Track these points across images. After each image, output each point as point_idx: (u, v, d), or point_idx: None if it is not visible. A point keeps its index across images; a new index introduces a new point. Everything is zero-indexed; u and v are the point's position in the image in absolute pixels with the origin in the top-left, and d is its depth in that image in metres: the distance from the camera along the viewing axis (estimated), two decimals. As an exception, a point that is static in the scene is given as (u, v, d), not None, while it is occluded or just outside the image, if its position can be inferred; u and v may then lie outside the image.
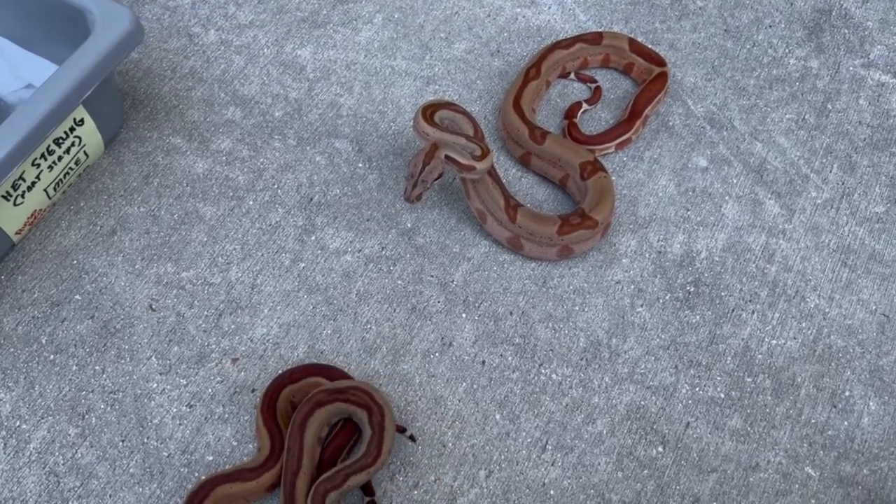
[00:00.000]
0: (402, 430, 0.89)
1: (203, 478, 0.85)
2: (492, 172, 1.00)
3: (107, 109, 1.06)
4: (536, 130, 1.05)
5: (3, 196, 0.93)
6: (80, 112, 0.98)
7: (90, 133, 1.02)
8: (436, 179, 0.95)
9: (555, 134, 1.06)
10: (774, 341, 0.97)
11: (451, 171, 0.97)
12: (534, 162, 1.07)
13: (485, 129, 1.08)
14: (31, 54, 1.11)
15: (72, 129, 0.98)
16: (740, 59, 1.21)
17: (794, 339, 0.97)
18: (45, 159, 0.96)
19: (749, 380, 0.94)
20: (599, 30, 1.21)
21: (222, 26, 1.22)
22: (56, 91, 0.91)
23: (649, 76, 1.13)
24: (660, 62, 1.13)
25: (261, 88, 1.17)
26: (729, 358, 0.96)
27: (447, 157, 0.95)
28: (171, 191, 1.07)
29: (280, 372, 0.92)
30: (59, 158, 0.99)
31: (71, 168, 1.02)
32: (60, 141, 0.97)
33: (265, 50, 1.20)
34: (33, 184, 0.97)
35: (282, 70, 1.18)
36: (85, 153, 1.03)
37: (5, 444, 0.88)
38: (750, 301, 1.00)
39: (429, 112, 1.00)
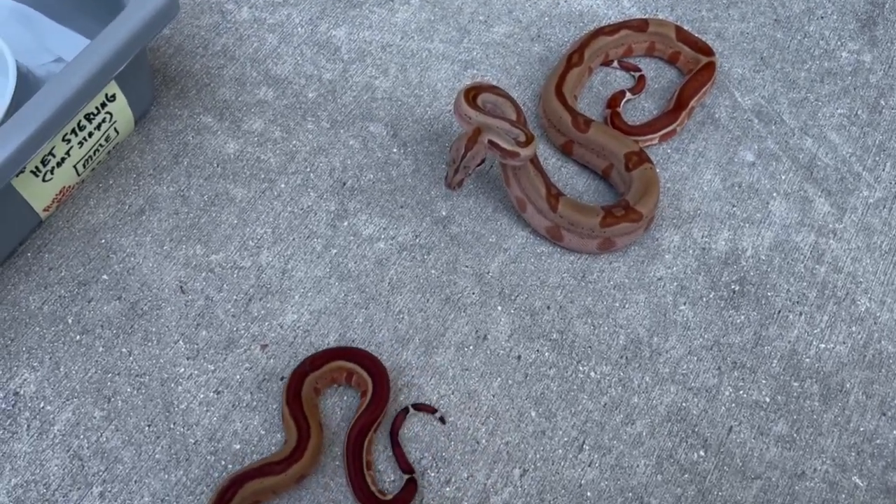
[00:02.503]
0: (432, 410, 0.87)
1: (231, 474, 0.83)
2: (533, 160, 0.96)
3: (138, 86, 1.03)
4: (580, 118, 1.02)
5: (32, 171, 0.91)
6: (112, 87, 0.96)
7: (121, 109, 0.99)
8: (478, 165, 0.92)
9: (599, 122, 1.03)
10: (823, 345, 0.93)
11: (492, 156, 0.94)
12: (576, 151, 1.03)
13: (523, 111, 1.04)
14: (61, 27, 1.08)
15: (103, 105, 0.96)
16: (790, 51, 1.16)
17: (844, 343, 0.94)
18: (76, 135, 0.94)
19: (796, 384, 0.91)
20: (644, 17, 1.17)
21: (256, 3, 1.19)
22: (89, 65, 0.88)
23: (696, 66, 1.09)
24: (707, 52, 1.09)
25: (294, 68, 1.14)
26: (775, 361, 0.92)
27: (490, 142, 0.92)
28: (201, 171, 1.04)
29: (301, 360, 0.89)
30: (90, 134, 0.96)
31: (101, 145, 1.00)
32: (91, 116, 0.95)
33: (299, 29, 1.17)
34: (63, 160, 0.94)
35: (316, 50, 1.15)
36: (115, 130, 1.01)
37: (29, 426, 0.86)
38: (798, 302, 0.96)
39: (471, 94, 0.97)
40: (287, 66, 1.14)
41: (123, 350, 0.92)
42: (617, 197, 1.02)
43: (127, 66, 0.93)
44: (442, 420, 0.87)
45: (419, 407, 0.88)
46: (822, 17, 1.20)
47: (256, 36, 1.16)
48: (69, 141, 0.93)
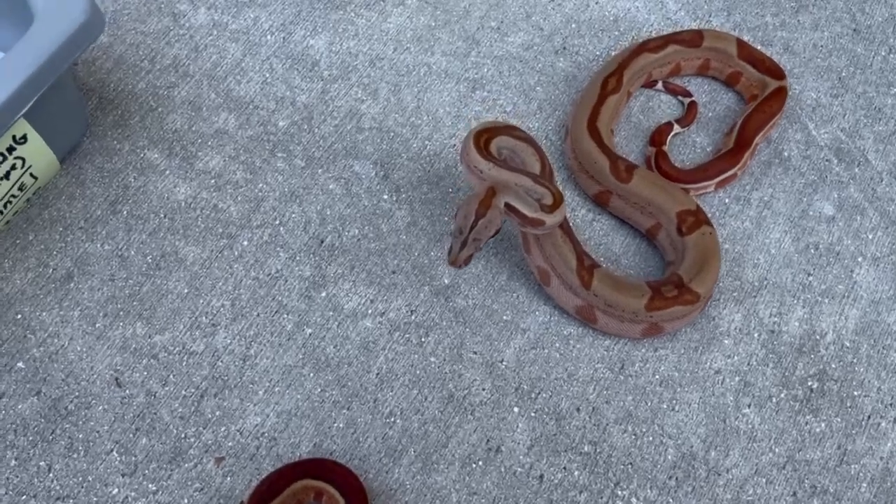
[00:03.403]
0: None
1: None
2: (562, 222, 0.76)
3: (61, 117, 0.82)
4: (620, 163, 0.81)
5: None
6: (21, 127, 0.75)
7: (37, 151, 0.78)
8: (492, 237, 0.72)
9: (644, 169, 0.82)
10: (924, 463, 0.74)
11: (510, 222, 0.74)
12: (613, 203, 0.83)
13: (546, 152, 0.83)
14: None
15: (10, 150, 0.75)
16: (874, 70, 0.95)
17: (950, 460, 0.75)
18: (-27, 190, 0.73)
19: (891, 516, 0.72)
20: (694, 24, 0.95)
21: (215, 3, 0.97)
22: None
23: (762, 92, 0.87)
24: (777, 74, 0.88)
25: (261, 88, 0.92)
26: (864, 484, 0.73)
27: (508, 206, 0.71)
28: (144, 223, 0.84)
29: (258, 483, 0.70)
30: (-6, 187, 0.76)
31: (13, 196, 0.79)
32: (-6, 165, 0.74)
33: (268, 37, 0.95)
34: (-41, 221, 0.74)
35: (289, 65, 0.94)
36: (32, 175, 0.80)
37: (-82, 569, 0.68)
38: (892, 405, 0.77)
39: (483, 139, 0.76)
40: (253, 86, 0.92)
41: (41, 464, 0.73)
42: (663, 262, 0.82)
43: (42, 95, 0.72)
44: None
45: None
46: (912, 26, 0.98)
47: (215, 46, 0.94)
48: (-37, 199, 0.73)
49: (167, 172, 0.87)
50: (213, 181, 0.87)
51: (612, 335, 0.79)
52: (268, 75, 0.93)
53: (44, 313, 0.79)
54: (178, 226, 0.84)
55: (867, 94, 0.93)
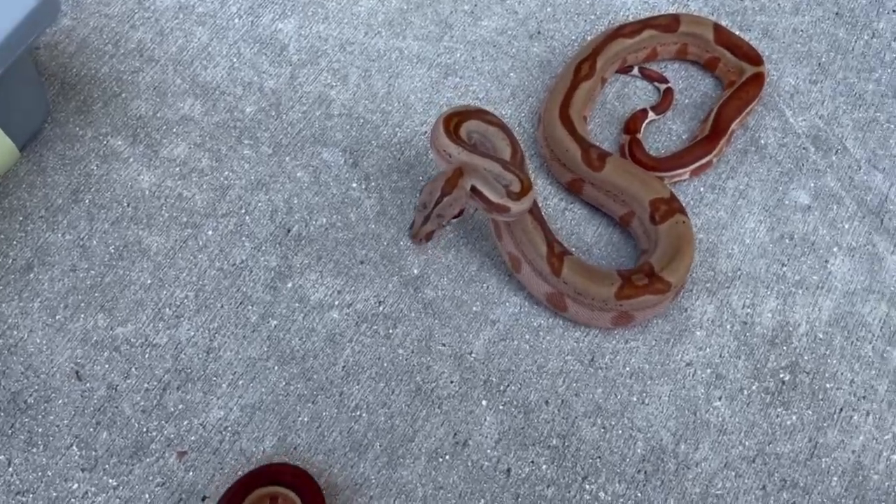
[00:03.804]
0: None
1: None
2: (532, 208, 0.75)
3: (20, 103, 0.80)
4: (592, 151, 0.79)
5: None
6: (-26, 114, 0.73)
7: (-7, 139, 0.77)
8: (455, 217, 0.70)
9: (617, 157, 0.80)
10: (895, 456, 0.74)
11: (476, 207, 0.72)
12: (586, 191, 0.81)
13: (519, 139, 0.82)
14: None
15: (-37, 137, 0.73)
16: (855, 55, 0.93)
17: (922, 453, 0.74)
18: (-75, 180, 0.71)
19: (861, 510, 0.71)
20: (672, 8, 0.93)
21: (182, -14, 0.94)
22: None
23: (739, 78, 0.86)
24: (754, 59, 0.86)
25: (228, 74, 0.90)
26: (835, 478, 0.72)
27: (473, 189, 0.70)
28: (106, 212, 0.82)
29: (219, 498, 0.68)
30: (-52, 176, 0.74)
31: (-31, 184, 0.77)
32: (-54, 154, 0.72)
33: (236, 20, 0.93)
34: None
35: (256, 49, 0.91)
36: (-11, 163, 0.78)
37: None
38: (864, 398, 0.76)
39: (454, 122, 0.74)
40: (220, 71, 0.90)
41: (1, 458, 0.71)
42: (637, 251, 0.81)
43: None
44: None
45: None
46: (894, 11, 0.96)
47: (182, 29, 0.92)
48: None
49: (131, 160, 0.85)
50: (177, 169, 0.85)
51: (582, 325, 0.77)
52: (235, 60, 0.91)
53: (2, 305, 0.77)
54: (141, 215, 0.82)
55: (847, 79, 0.91)
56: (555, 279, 0.74)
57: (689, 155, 0.82)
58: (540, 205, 0.81)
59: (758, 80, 0.85)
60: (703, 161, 0.82)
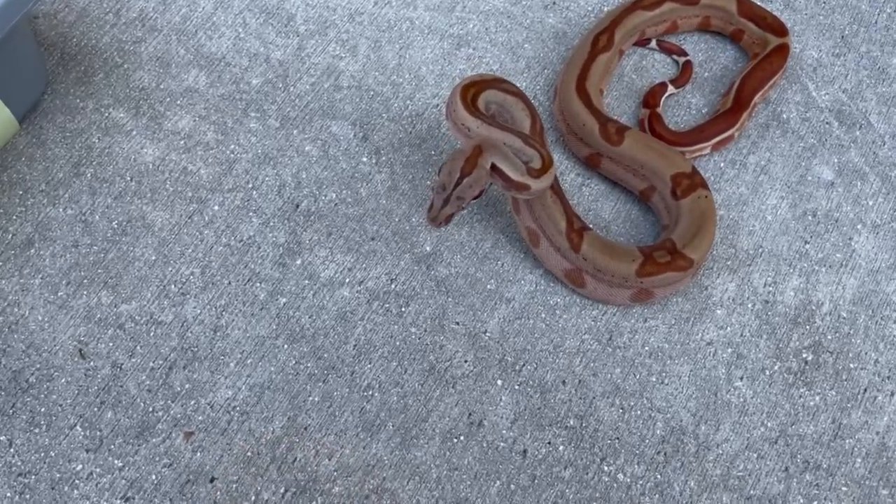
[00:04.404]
0: None
1: None
2: (552, 182, 0.72)
3: (19, 72, 0.77)
4: (610, 125, 0.77)
5: None
6: (-29, 82, 0.70)
7: (-9, 109, 0.74)
8: (475, 198, 0.68)
9: (636, 131, 0.77)
10: (921, 437, 0.72)
11: (496, 184, 0.70)
12: (605, 165, 0.79)
13: (534, 114, 0.79)
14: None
15: (-40, 107, 0.71)
16: (879, 28, 0.90)
17: (948, 434, 0.72)
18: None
19: (885, 492, 0.70)
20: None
21: (185, -47, 0.91)
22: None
23: (763, 49, 0.83)
24: (780, 30, 0.83)
25: (234, 44, 0.87)
26: (859, 459, 0.71)
27: (494, 166, 0.67)
28: (109, 187, 0.80)
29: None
30: (-55, 147, 0.71)
31: (-33, 156, 0.75)
32: (-57, 123, 0.70)
33: (242, -11, 0.90)
34: None
35: (263, 19, 0.88)
36: (-13, 135, 0.76)
37: None
38: (889, 378, 0.74)
39: (471, 93, 0.71)
40: (225, 42, 0.87)
41: (2, 438, 0.69)
42: (658, 225, 0.79)
43: (-7, 50, 0.68)
44: None
45: None
46: (919, -18, 0.94)
47: (185, -2, 0.89)
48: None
49: (133, 133, 0.82)
50: (182, 142, 0.82)
51: (599, 302, 0.75)
52: (240, 30, 0.88)
53: (3, 281, 0.75)
54: (145, 189, 0.80)
55: (871, 53, 0.89)
56: (574, 255, 0.72)
57: (710, 129, 0.80)
58: (557, 177, 0.79)
59: (782, 51, 0.82)
60: (726, 135, 0.80)
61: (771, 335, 0.75)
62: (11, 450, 0.69)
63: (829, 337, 0.75)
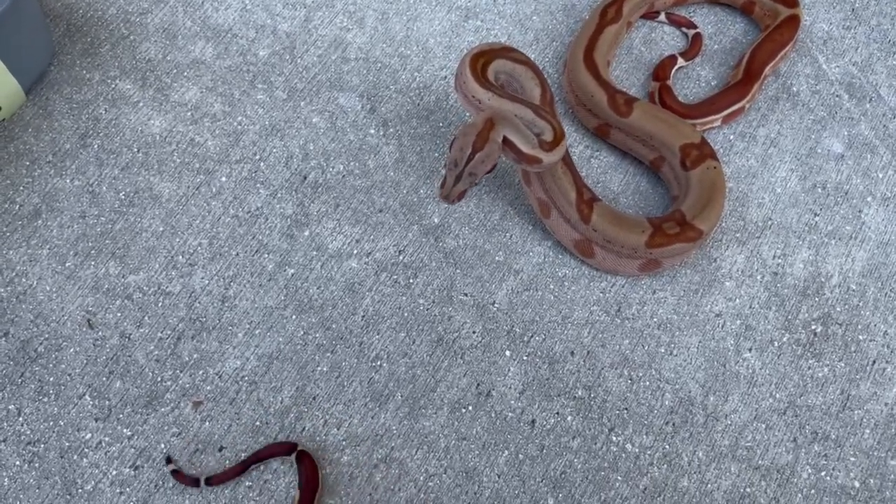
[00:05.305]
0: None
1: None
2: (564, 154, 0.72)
3: (25, 42, 0.77)
4: (619, 97, 0.76)
5: None
6: (-22, 50, 0.70)
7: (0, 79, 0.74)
8: (488, 172, 0.67)
9: (644, 102, 0.77)
10: (929, 408, 0.72)
11: (507, 157, 0.69)
12: (614, 136, 0.78)
13: (542, 87, 0.79)
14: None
15: (-33, 75, 0.70)
16: (889, 1, 0.90)
17: (956, 405, 0.72)
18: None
19: (894, 463, 0.69)
20: (701, -50, 0.90)
21: (191, -75, 0.91)
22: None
23: (774, 21, 0.82)
24: (790, 1, 0.83)
25: (241, 16, 0.86)
26: (867, 430, 0.71)
27: (505, 139, 0.67)
28: (116, 158, 0.79)
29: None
30: (-49, 115, 0.71)
31: (-27, 126, 0.74)
32: (-50, 91, 0.69)
33: (248, -39, 0.90)
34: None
35: (270, -9, 0.88)
36: (-6, 104, 0.75)
37: None
38: (898, 350, 0.74)
39: (480, 63, 0.71)
40: (231, 13, 0.87)
41: (11, 408, 0.69)
42: (666, 198, 0.78)
43: (2, 20, 0.67)
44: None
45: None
46: (931, -46, 0.93)
47: (191, -30, 0.88)
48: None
49: (140, 104, 0.82)
50: (189, 114, 0.82)
51: (607, 272, 0.75)
52: (247, 2, 0.87)
53: (10, 252, 0.75)
54: (152, 160, 0.80)
55: (881, 26, 0.88)
56: (584, 226, 0.72)
57: (721, 100, 0.79)
58: (567, 148, 0.78)
59: (793, 22, 0.82)
60: (736, 107, 0.80)
61: (780, 307, 0.75)
62: (20, 419, 0.69)
63: (839, 309, 0.75)
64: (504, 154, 0.68)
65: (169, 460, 0.67)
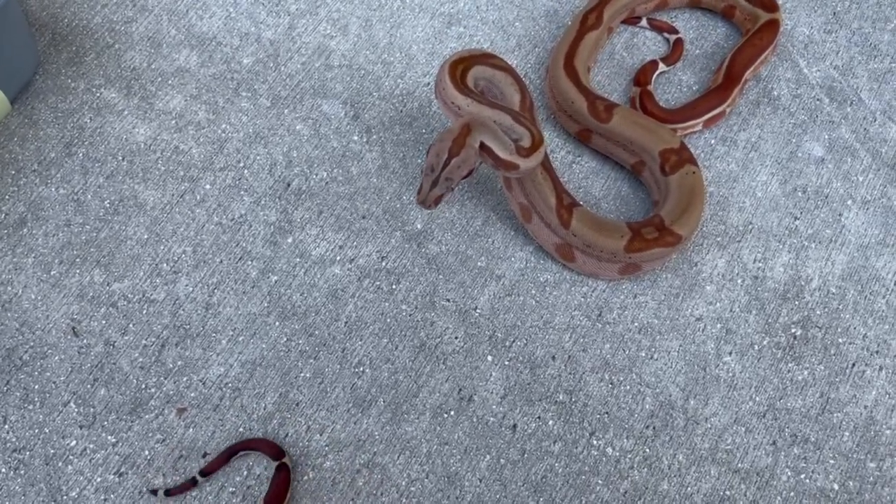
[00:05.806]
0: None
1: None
2: (543, 159, 0.72)
3: (10, 52, 0.77)
4: (599, 103, 0.77)
5: None
6: (-39, 61, 0.70)
7: (-18, 88, 0.74)
8: (465, 177, 0.68)
9: (625, 108, 0.77)
10: (908, 411, 0.72)
11: (485, 163, 0.70)
12: (595, 141, 0.79)
13: (524, 93, 0.79)
14: None
15: (-50, 85, 0.71)
16: (870, 4, 0.90)
17: (935, 407, 0.73)
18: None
19: (872, 465, 0.70)
20: (683, -45, 0.90)
21: (176, -67, 0.91)
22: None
23: (754, 26, 0.83)
24: (770, 6, 0.83)
25: (225, 24, 0.87)
26: (847, 433, 0.71)
27: (483, 145, 0.67)
28: (101, 166, 0.80)
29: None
30: (-64, 125, 0.72)
31: (-42, 136, 0.75)
32: (-66, 102, 0.70)
33: (232, -31, 0.90)
34: None
35: (254, -1, 0.89)
36: (-22, 114, 0.76)
37: None
38: (877, 352, 0.74)
39: (459, 70, 0.71)
40: (216, 21, 0.87)
41: (-4, 415, 0.70)
42: (647, 202, 0.79)
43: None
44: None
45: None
46: (912, -42, 0.93)
47: (176, -22, 0.89)
48: None
49: (125, 112, 0.82)
50: (173, 122, 0.82)
51: (588, 276, 0.76)
52: (231, 10, 0.88)
53: (-4, 260, 0.76)
54: (136, 169, 0.80)
55: (863, 29, 0.89)
56: (564, 231, 0.73)
57: (702, 105, 0.80)
58: (548, 154, 0.79)
59: (772, 26, 0.82)
60: (717, 111, 0.80)
61: (760, 310, 0.76)
62: (6, 426, 0.70)
63: (818, 312, 0.76)
64: (482, 159, 0.68)
65: (154, 492, 0.68)
